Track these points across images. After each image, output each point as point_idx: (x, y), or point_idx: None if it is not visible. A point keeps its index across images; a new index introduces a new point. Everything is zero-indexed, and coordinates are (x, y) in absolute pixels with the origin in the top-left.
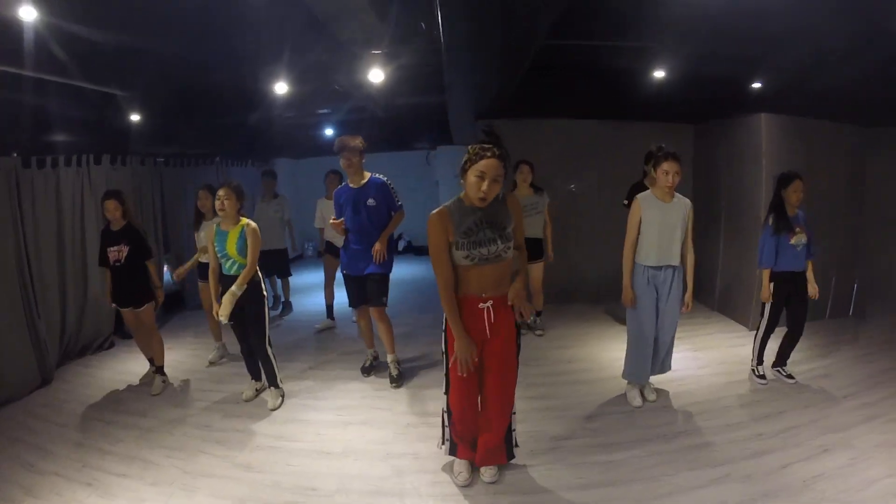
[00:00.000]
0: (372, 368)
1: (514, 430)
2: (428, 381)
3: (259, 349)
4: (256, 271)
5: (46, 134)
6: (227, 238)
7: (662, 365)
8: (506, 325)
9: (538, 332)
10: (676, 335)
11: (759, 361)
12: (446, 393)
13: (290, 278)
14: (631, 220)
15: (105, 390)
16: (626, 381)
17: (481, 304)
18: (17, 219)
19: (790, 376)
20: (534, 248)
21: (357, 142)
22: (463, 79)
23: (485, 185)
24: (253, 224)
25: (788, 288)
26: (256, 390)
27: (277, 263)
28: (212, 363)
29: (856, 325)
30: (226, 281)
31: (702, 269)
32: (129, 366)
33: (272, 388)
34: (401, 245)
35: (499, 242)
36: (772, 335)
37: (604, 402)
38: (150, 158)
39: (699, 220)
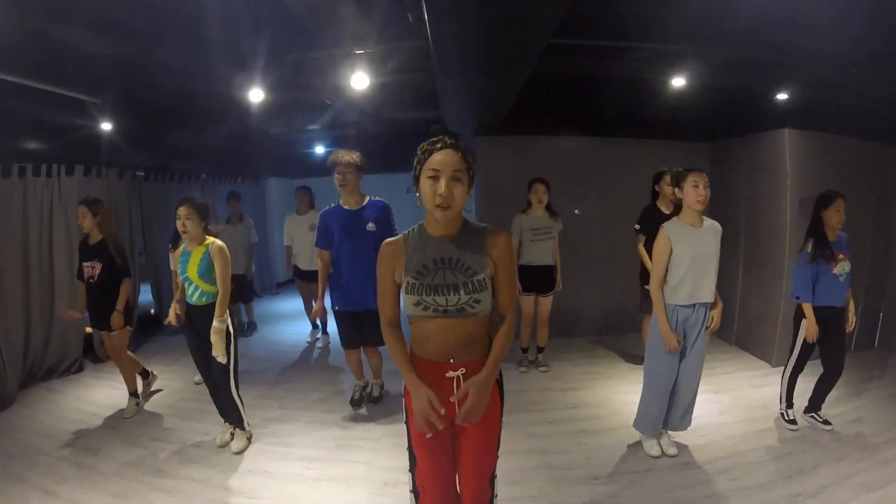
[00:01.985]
0: (363, 400)
1: (496, 495)
2: None
3: (224, 391)
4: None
5: (13, 140)
6: (189, 260)
7: (682, 420)
8: (490, 403)
9: (542, 369)
10: None
11: (789, 405)
12: (411, 470)
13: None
14: (659, 254)
15: (64, 420)
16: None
17: (450, 371)
18: None
19: (826, 422)
20: (544, 279)
21: (353, 157)
22: (456, 86)
23: (441, 187)
24: (219, 242)
25: (825, 324)
26: (232, 434)
27: (239, 289)
28: (198, 383)
29: (883, 358)
30: (193, 312)
31: (721, 301)
32: (94, 393)
33: (237, 430)
34: None
35: (461, 292)
36: (801, 374)
37: (615, 458)
38: (129, 172)
39: None
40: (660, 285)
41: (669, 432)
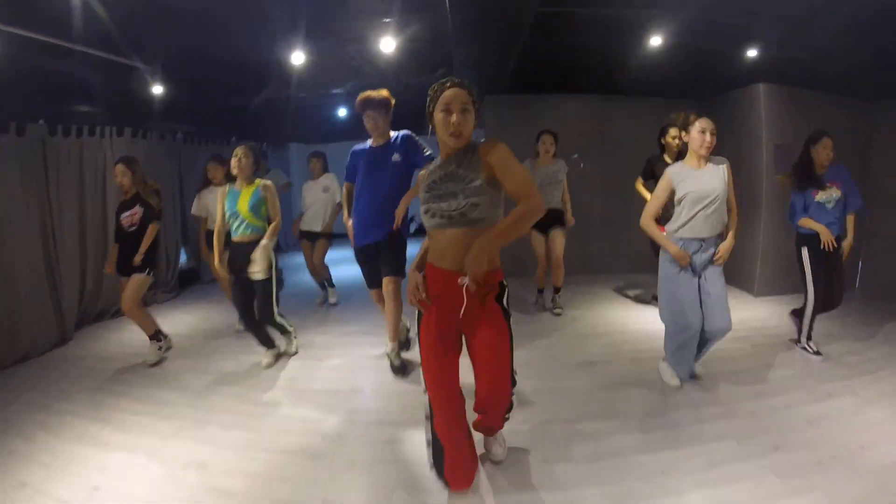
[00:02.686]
0: (409, 342)
1: (515, 383)
2: None
3: (267, 315)
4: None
5: (72, 104)
6: (240, 197)
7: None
8: (492, 310)
9: (556, 311)
10: None
11: (809, 337)
12: (430, 418)
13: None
14: (659, 190)
15: (121, 346)
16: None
17: (460, 279)
18: (43, 185)
19: (818, 353)
20: (555, 218)
21: (384, 93)
22: (468, 52)
23: (454, 117)
24: (267, 181)
25: (824, 251)
26: (275, 356)
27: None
28: (238, 330)
29: (864, 299)
30: (236, 250)
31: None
32: (139, 335)
33: (285, 336)
34: (412, 227)
35: (459, 197)
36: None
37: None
38: (170, 134)
39: None
40: (651, 217)
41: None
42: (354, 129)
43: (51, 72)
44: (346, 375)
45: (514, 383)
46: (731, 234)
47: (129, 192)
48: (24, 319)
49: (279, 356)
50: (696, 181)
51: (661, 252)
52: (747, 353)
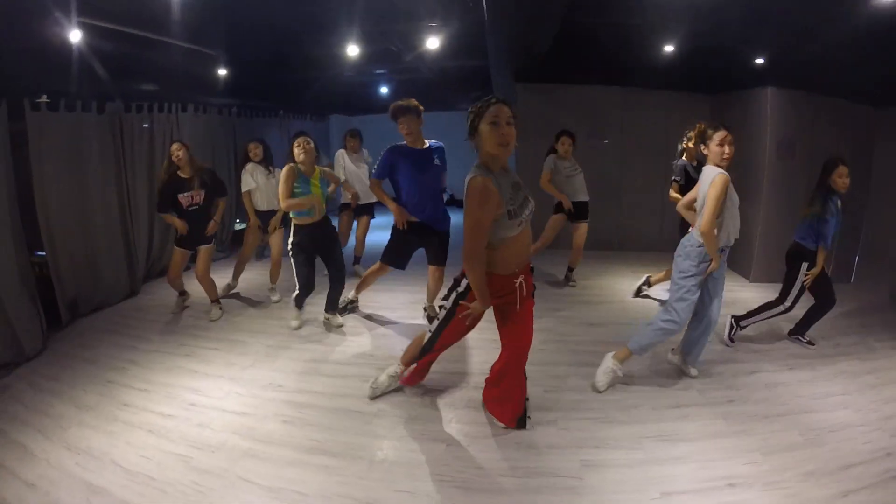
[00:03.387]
0: (346, 311)
1: (528, 398)
2: None
3: (340, 276)
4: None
5: (144, 84)
6: (311, 183)
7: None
8: (529, 294)
9: (571, 284)
10: None
11: (742, 327)
12: (436, 333)
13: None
14: (717, 196)
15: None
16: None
17: (515, 280)
18: (120, 156)
19: (811, 342)
20: (581, 210)
21: (414, 103)
22: (502, 45)
23: (503, 129)
24: (325, 168)
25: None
26: (303, 319)
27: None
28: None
29: (855, 291)
30: (314, 231)
31: None
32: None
33: (333, 314)
34: (445, 197)
35: (530, 202)
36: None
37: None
38: (226, 110)
39: None
40: (713, 223)
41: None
42: (391, 102)
43: (126, 56)
44: (390, 322)
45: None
46: None
47: (185, 171)
48: (103, 272)
49: (302, 323)
50: (733, 190)
51: (686, 256)
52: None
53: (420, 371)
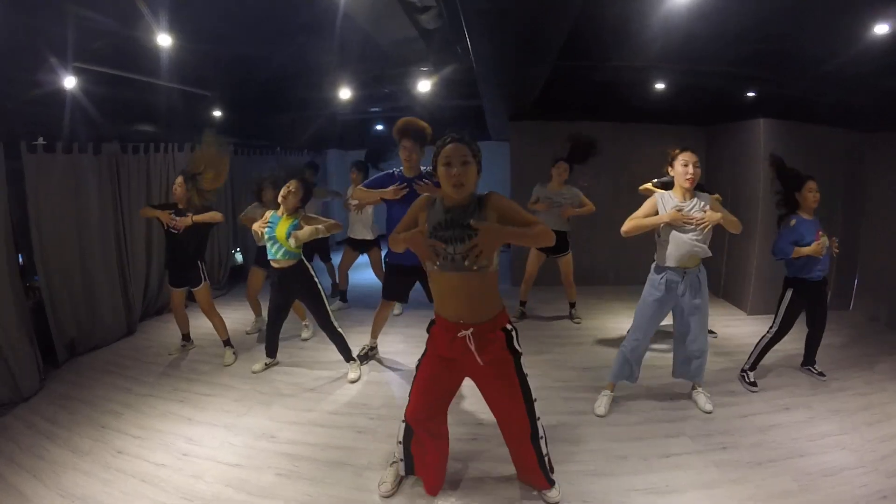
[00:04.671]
0: (367, 358)
1: (547, 454)
2: None
3: (326, 327)
4: (303, 260)
5: (140, 125)
6: (279, 224)
7: (695, 373)
8: (500, 361)
9: (576, 321)
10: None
11: (753, 367)
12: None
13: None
14: (644, 207)
15: (180, 338)
16: (605, 389)
17: (461, 331)
18: (116, 196)
19: (822, 374)
20: (559, 242)
21: (423, 124)
22: (494, 89)
23: (454, 170)
24: (310, 215)
25: (811, 297)
26: (266, 364)
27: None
28: (249, 333)
29: (853, 321)
30: (278, 272)
31: (710, 258)
32: (203, 322)
33: (350, 362)
34: None
35: (466, 241)
36: (773, 348)
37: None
38: (224, 147)
39: None
40: (631, 219)
41: (702, 391)
42: (387, 133)
43: (122, 98)
44: (387, 369)
45: (539, 434)
46: (724, 214)
47: (181, 203)
48: (99, 312)
49: (269, 366)
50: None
51: (648, 283)
52: (724, 366)
53: (432, 473)
